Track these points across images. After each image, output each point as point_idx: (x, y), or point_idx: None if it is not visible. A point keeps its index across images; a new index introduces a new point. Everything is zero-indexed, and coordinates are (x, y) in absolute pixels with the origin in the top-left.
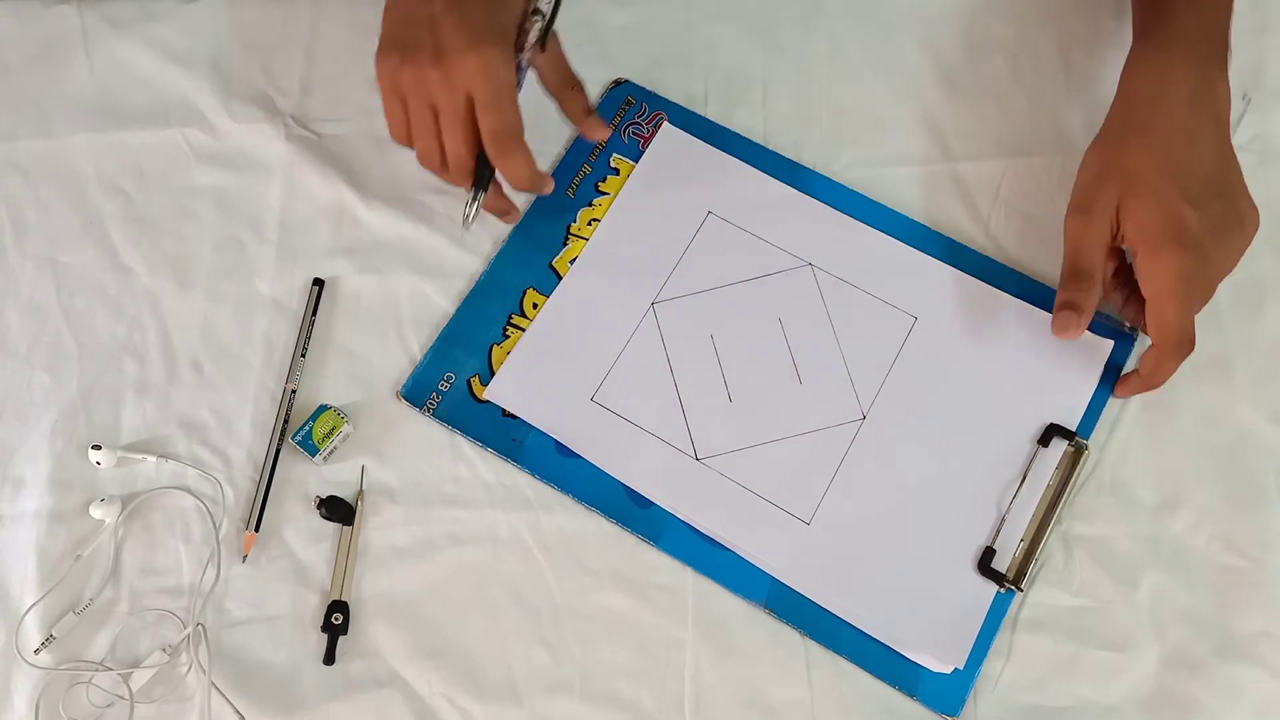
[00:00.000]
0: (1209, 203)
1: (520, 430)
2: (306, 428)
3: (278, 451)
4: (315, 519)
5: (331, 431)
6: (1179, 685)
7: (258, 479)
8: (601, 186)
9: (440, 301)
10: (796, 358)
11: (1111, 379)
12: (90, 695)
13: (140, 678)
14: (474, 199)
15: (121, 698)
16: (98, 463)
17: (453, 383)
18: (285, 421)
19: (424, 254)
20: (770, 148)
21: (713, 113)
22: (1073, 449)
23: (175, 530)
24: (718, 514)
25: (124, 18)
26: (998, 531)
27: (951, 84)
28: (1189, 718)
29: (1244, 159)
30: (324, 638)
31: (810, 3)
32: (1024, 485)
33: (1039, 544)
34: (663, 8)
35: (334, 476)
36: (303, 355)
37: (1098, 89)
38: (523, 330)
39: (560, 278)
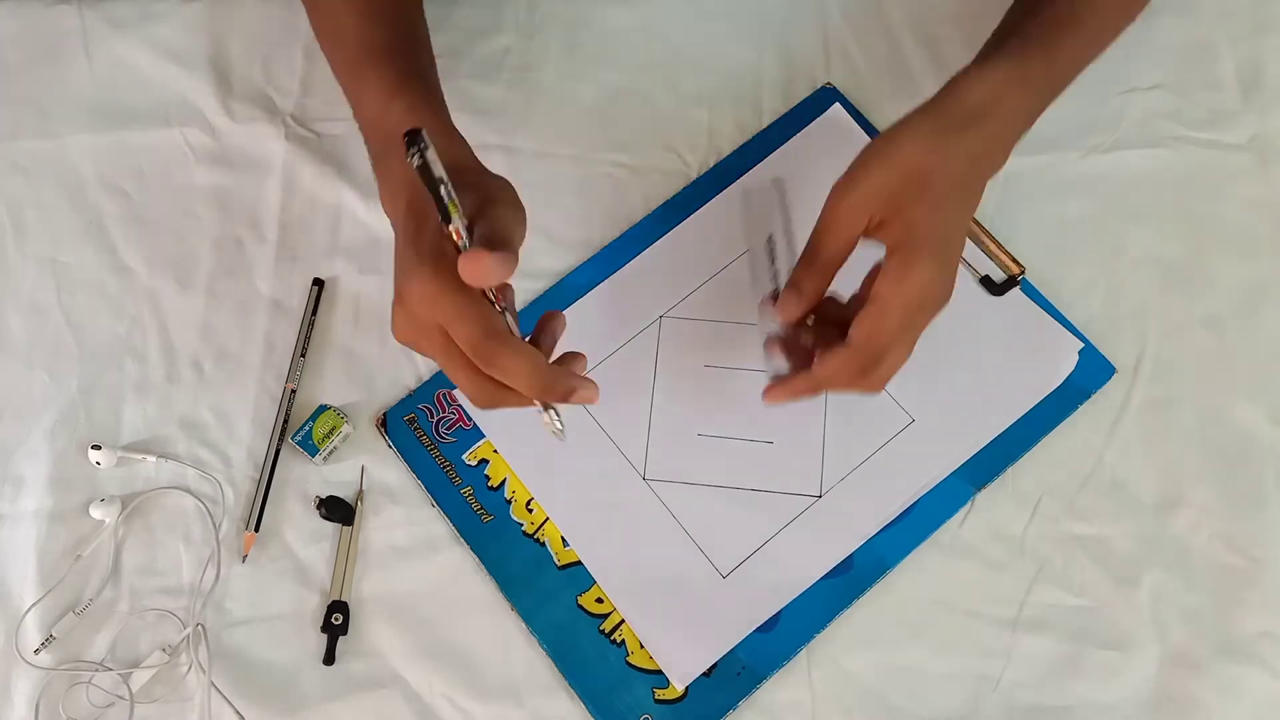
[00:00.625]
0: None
1: (732, 663)
2: (306, 428)
3: (278, 451)
4: (315, 519)
5: (331, 431)
6: (1179, 685)
7: (258, 479)
8: (493, 484)
9: None
10: (750, 365)
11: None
12: (90, 695)
13: (140, 678)
14: (544, 409)
15: (121, 698)
16: (98, 463)
17: (655, 717)
18: (285, 421)
19: None
20: None
21: (713, 111)
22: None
23: (175, 530)
24: (881, 500)
25: (124, 18)
26: (970, 266)
27: None
28: (1189, 717)
29: (1244, 159)
30: (324, 638)
31: (810, 2)
32: None
33: (993, 238)
34: (663, 8)
35: (334, 476)
36: (303, 355)
37: (1097, 89)
38: (620, 624)
39: (579, 563)
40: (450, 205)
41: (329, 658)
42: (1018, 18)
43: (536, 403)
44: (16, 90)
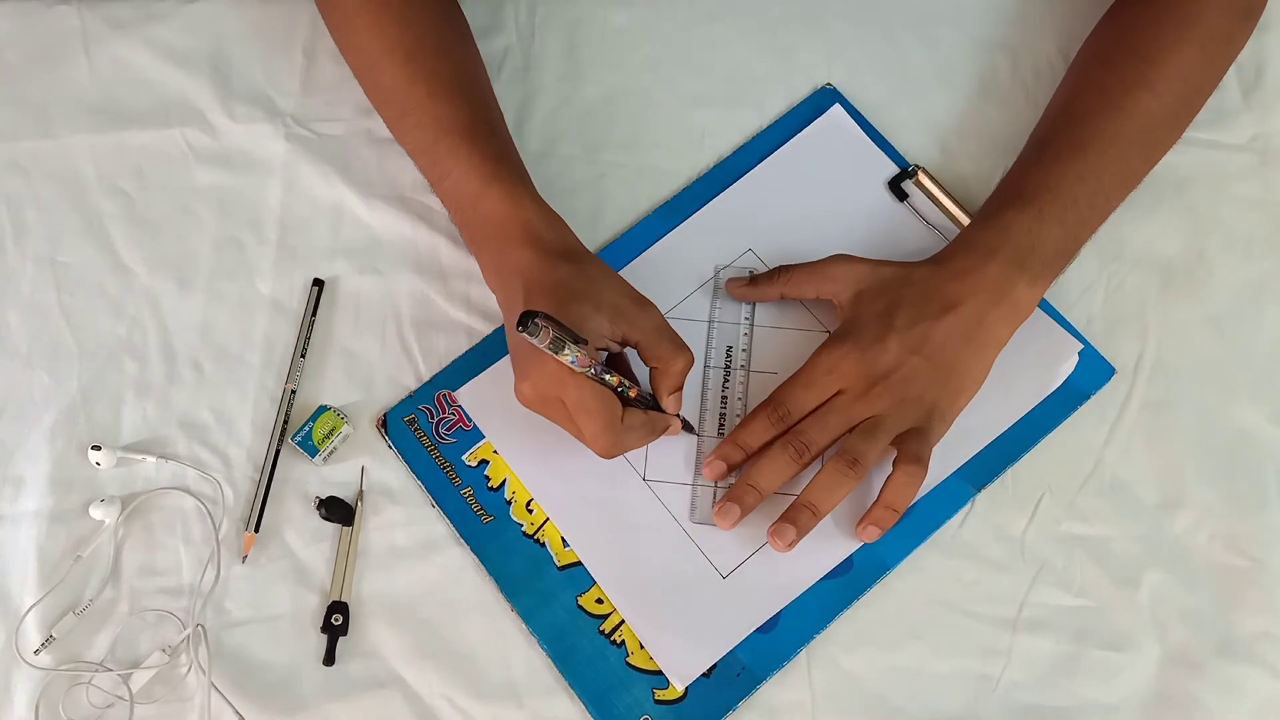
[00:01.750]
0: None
1: (731, 664)
2: (306, 428)
3: (277, 452)
4: (315, 519)
5: (331, 432)
6: (1179, 685)
7: (257, 479)
8: (493, 485)
9: (440, 302)
10: (752, 366)
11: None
12: (90, 696)
13: (140, 678)
14: (689, 430)
15: (121, 698)
16: (98, 463)
17: (654, 717)
18: (285, 421)
19: (424, 254)
20: None
21: (713, 111)
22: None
23: (175, 531)
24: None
25: (124, 18)
26: None
27: (951, 84)
28: (1189, 717)
29: (1244, 159)
30: (324, 638)
31: (810, 2)
32: (929, 221)
33: None
34: (663, 8)
35: (334, 477)
36: (303, 355)
37: None
38: (620, 624)
39: (579, 564)
40: (581, 352)
41: (329, 658)
42: (1018, 171)
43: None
44: (16, 90)
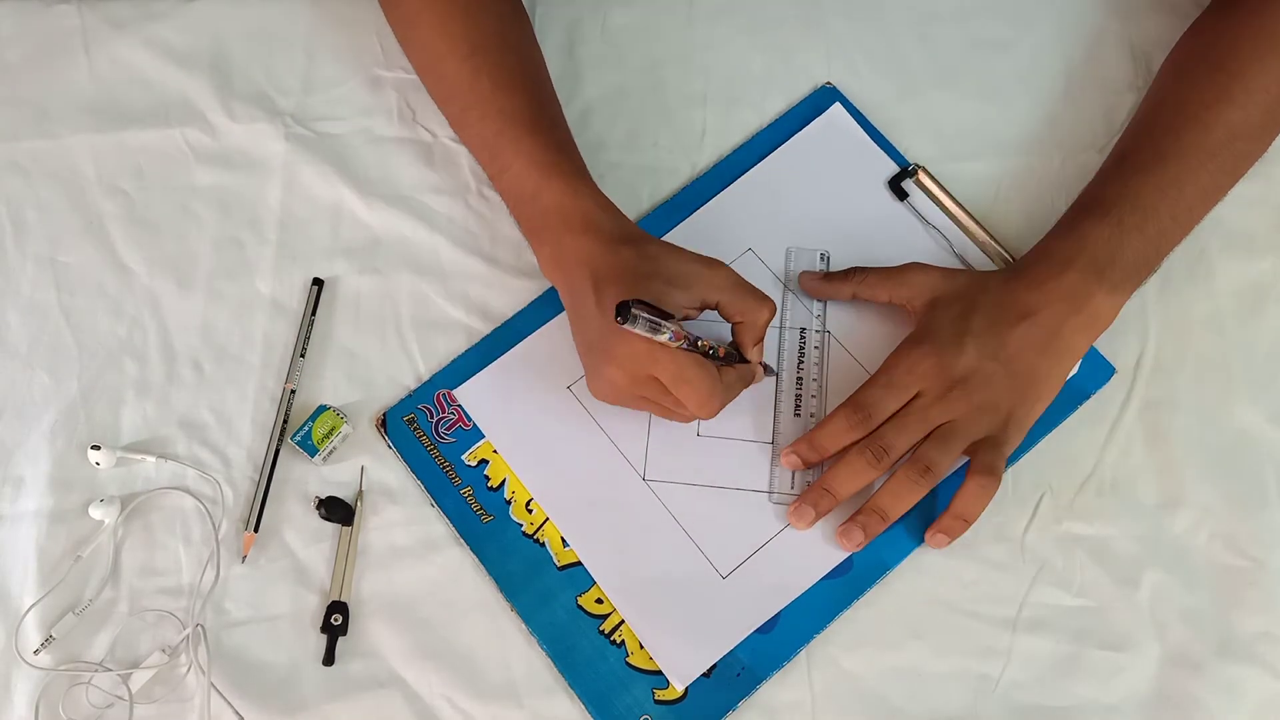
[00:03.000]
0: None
1: (731, 664)
2: (306, 428)
3: (277, 451)
4: (315, 519)
5: (331, 432)
6: (1179, 685)
7: (257, 479)
8: (493, 484)
9: (440, 302)
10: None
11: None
12: (90, 696)
13: (140, 678)
14: (769, 373)
15: (121, 698)
16: (97, 463)
17: (654, 718)
18: (285, 421)
19: (424, 254)
20: None
21: (713, 111)
22: None
23: (175, 530)
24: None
25: (124, 18)
26: (960, 258)
27: (951, 84)
28: (1189, 717)
29: None
30: (324, 638)
31: (810, 2)
32: (928, 221)
33: (982, 227)
34: (663, 7)
35: (334, 476)
36: (302, 355)
37: (1097, 89)
38: (620, 624)
39: (579, 564)
40: (675, 326)
41: (329, 658)
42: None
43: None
44: (16, 90)
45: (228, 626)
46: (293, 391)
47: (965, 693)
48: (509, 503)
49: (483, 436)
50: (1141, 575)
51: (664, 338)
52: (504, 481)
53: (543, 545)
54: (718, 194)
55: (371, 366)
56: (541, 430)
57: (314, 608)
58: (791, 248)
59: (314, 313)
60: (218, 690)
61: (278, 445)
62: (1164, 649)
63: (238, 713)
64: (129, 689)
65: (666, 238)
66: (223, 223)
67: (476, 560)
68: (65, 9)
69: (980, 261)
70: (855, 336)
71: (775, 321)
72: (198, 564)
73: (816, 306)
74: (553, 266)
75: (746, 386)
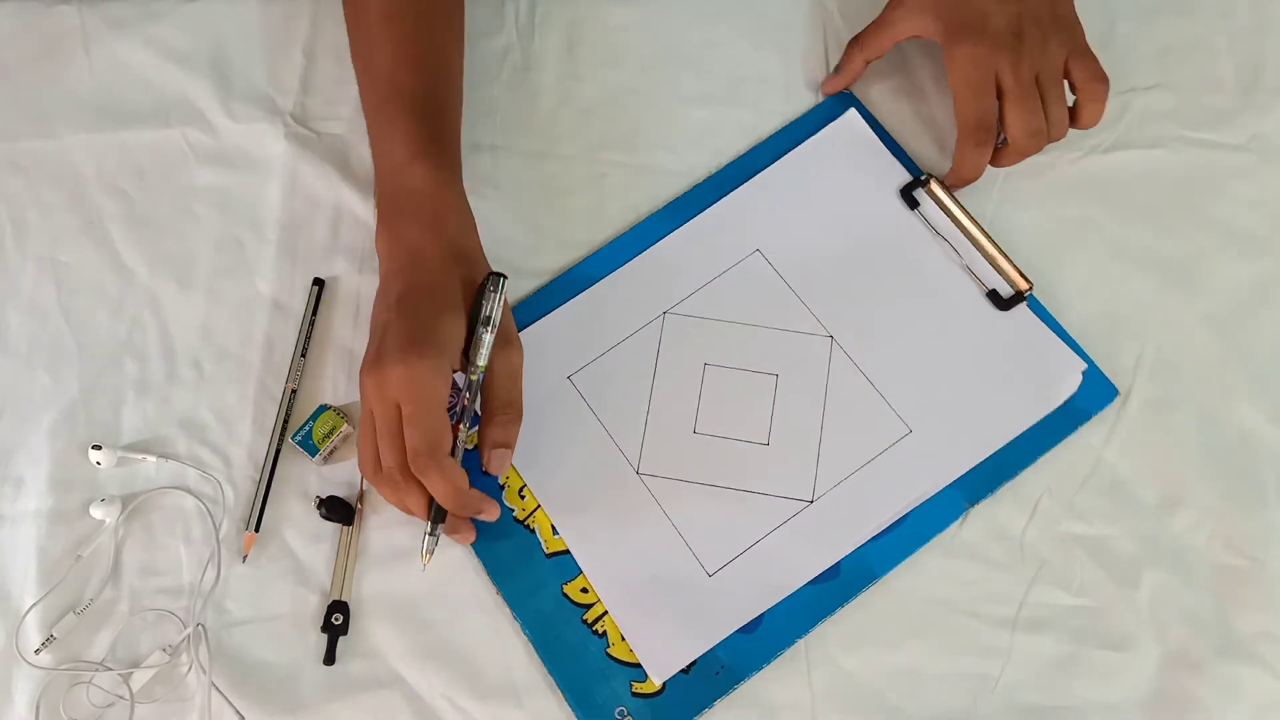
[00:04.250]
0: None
1: (711, 662)
2: (306, 428)
3: (278, 451)
4: (315, 519)
5: (331, 431)
6: (1179, 685)
7: (258, 479)
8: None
9: None
10: (749, 366)
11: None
12: (90, 695)
13: (140, 678)
14: (430, 530)
15: (122, 698)
16: (98, 463)
17: (629, 710)
18: (285, 421)
19: None
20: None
21: (713, 111)
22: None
23: (175, 530)
24: (873, 509)
25: (124, 18)
26: (978, 280)
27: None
28: (1189, 717)
29: (1242, 159)
30: (324, 638)
31: (811, 2)
32: (948, 240)
33: (1001, 251)
34: (663, 8)
35: (334, 476)
36: (303, 355)
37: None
38: (604, 615)
39: (566, 552)
40: (482, 363)
41: (329, 658)
42: None
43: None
44: (16, 90)
45: (228, 626)
46: (293, 391)
47: (965, 692)
48: (502, 488)
49: (478, 422)
50: (1141, 575)
51: (482, 340)
52: None
53: (533, 531)
54: (729, 193)
55: None
56: (538, 418)
57: (314, 607)
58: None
59: (314, 312)
60: (218, 690)
61: (278, 445)
62: (1163, 649)
63: (238, 712)
64: (130, 688)
65: (672, 236)
66: (223, 223)
67: (478, 561)
68: (65, 9)
69: (988, 275)
70: (860, 344)
71: (778, 324)
72: (198, 563)
73: (822, 314)
74: (386, 242)
75: (460, 507)
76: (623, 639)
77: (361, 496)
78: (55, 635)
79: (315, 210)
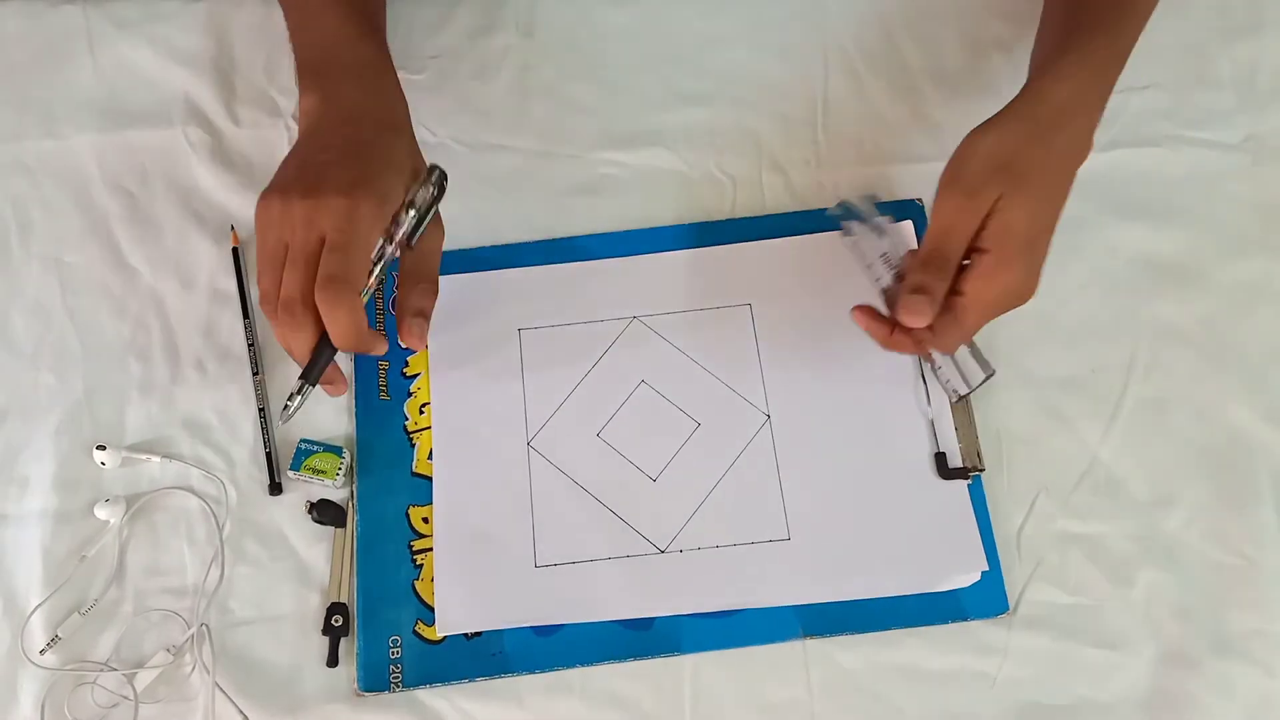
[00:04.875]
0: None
1: (494, 641)
2: (300, 461)
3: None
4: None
5: (329, 467)
6: (1174, 683)
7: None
8: (408, 371)
9: None
10: (680, 404)
11: None
12: (95, 696)
13: (145, 678)
14: (299, 390)
15: (126, 698)
16: (102, 463)
17: (401, 643)
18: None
19: None
20: (769, 145)
21: (713, 111)
22: None
23: (179, 530)
24: (713, 589)
25: (128, 18)
26: (934, 437)
27: (950, 82)
28: (1184, 715)
29: (1237, 159)
30: (326, 638)
31: (811, 2)
32: (928, 386)
33: (971, 423)
34: (663, 7)
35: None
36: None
37: None
38: (429, 550)
39: (429, 479)
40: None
41: (333, 659)
42: (1071, 8)
43: (295, 382)
44: (21, 90)
45: (232, 626)
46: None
47: (962, 691)
48: (410, 395)
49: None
50: (1136, 573)
51: (404, 223)
52: (418, 375)
53: (413, 446)
54: (757, 240)
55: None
56: (474, 352)
57: (317, 607)
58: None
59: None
60: (222, 690)
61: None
62: (1158, 647)
63: (242, 712)
64: (134, 689)
65: (679, 254)
66: (226, 223)
67: None
68: (70, 9)
69: (948, 437)
70: (791, 438)
71: (729, 380)
72: (202, 564)
73: (774, 392)
74: (318, 101)
75: (366, 349)
76: (432, 580)
77: (353, 497)
78: (60, 635)
79: None
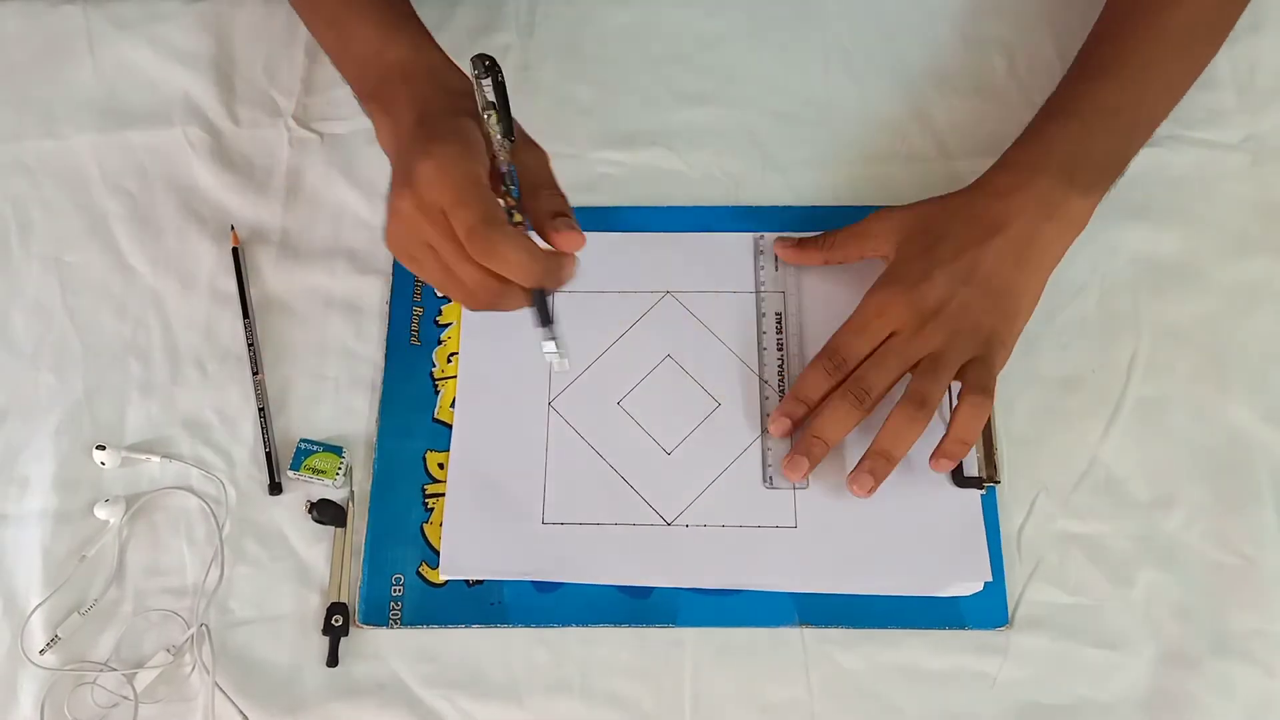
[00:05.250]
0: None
1: (493, 591)
2: (299, 461)
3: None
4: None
5: (329, 467)
6: (1174, 683)
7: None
8: (440, 320)
9: None
10: (702, 381)
11: None
12: (95, 696)
13: (144, 678)
14: (549, 336)
15: (126, 698)
16: (102, 463)
17: (404, 582)
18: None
19: None
20: (769, 145)
21: (713, 111)
22: None
23: (179, 530)
24: (715, 567)
25: (128, 18)
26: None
27: (950, 82)
28: (1184, 715)
29: (1236, 159)
30: (326, 638)
31: (811, 2)
32: (951, 391)
33: (991, 435)
34: (663, 7)
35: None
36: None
37: None
38: (442, 495)
39: (449, 426)
40: (507, 123)
41: (332, 659)
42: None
43: (540, 332)
44: (21, 90)
45: (232, 626)
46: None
47: (962, 691)
48: (440, 343)
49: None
50: (1136, 573)
51: (492, 128)
52: (450, 325)
53: (437, 393)
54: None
55: (373, 366)
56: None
57: (317, 607)
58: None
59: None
60: (222, 690)
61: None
62: (1158, 647)
63: (242, 712)
64: (134, 689)
65: (720, 236)
66: (226, 223)
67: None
68: (70, 9)
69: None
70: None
71: (753, 363)
72: (202, 564)
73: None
74: (389, 124)
75: (553, 283)
76: (440, 525)
77: (352, 497)
78: (60, 635)
79: (317, 211)
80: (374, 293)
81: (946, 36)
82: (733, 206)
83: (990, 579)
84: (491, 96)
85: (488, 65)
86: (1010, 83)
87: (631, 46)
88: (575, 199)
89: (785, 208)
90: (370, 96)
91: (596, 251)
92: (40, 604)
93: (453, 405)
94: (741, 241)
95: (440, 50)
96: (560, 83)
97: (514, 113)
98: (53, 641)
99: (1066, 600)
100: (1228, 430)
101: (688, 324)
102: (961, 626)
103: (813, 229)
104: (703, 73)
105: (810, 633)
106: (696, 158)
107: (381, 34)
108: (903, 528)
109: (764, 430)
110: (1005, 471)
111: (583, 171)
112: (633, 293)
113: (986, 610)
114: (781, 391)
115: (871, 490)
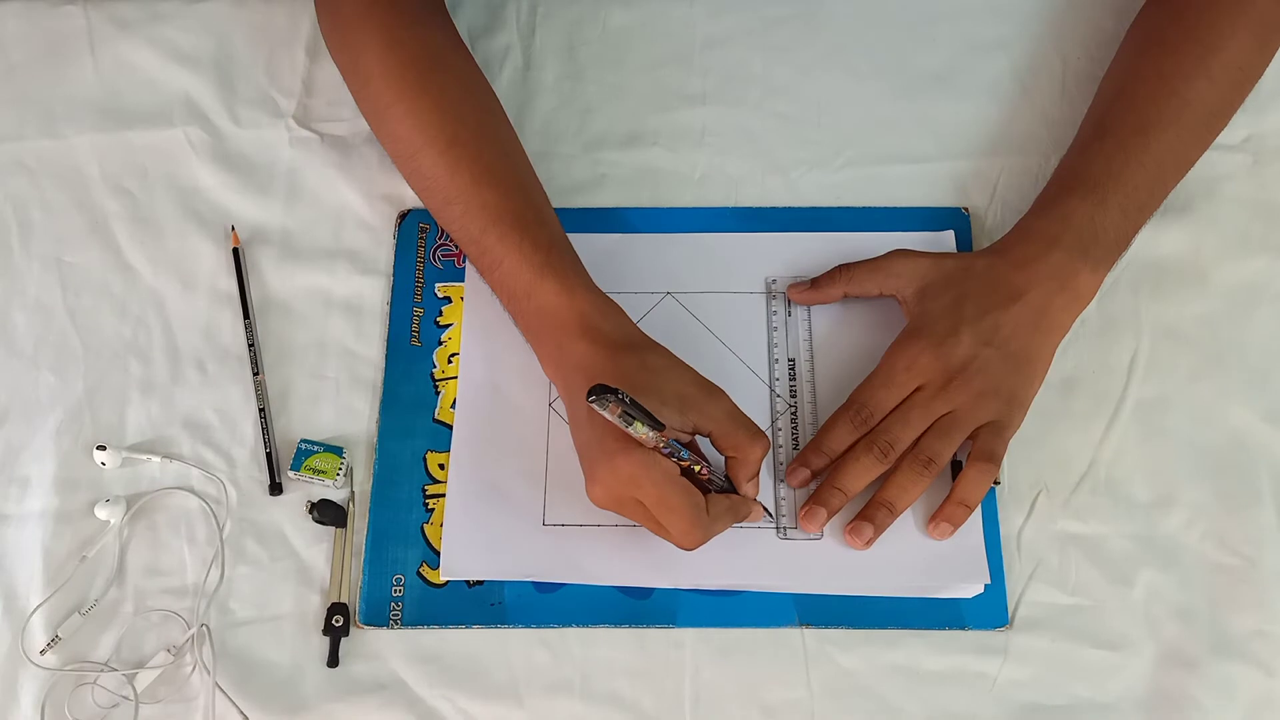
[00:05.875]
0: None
1: (494, 591)
2: (300, 462)
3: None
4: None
5: (329, 468)
6: (1174, 683)
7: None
8: (441, 321)
9: None
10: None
11: None
12: (95, 696)
13: (145, 678)
14: (769, 513)
15: (126, 698)
16: (103, 463)
17: (405, 582)
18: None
19: None
20: (769, 145)
21: (713, 111)
22: None
23: (179, 530)
24: (714, 569)
25: (129, 18)
26: None
27: (950, 83)
28: (1184, 715)
29: (1237, 160)
30: (327, 638)
31: (811, 2)
32: None
33: None
34: (663, 7)
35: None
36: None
37: (1095, 88)
38: (442, 496)
39: (450, 427)
40: (653, 430)
41: (333, 659)
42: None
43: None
44: (22, 90)
45: (232, 626)
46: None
47: (962, 691)
48: (441, 344)
49: (462, 280)
50: (1135, 574)
51: (642, 434)
52: (450, 326)
53: (437, 394)
54: (802, 231)
55: (373, 367)
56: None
57: (317, 608)
58: (769, 277)
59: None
60: (222, 690)
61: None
62: (1158, 648)
63: (242, 712)
64: (134, 689)
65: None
66: (226, 223)
67: None
68: (71, 9)
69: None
70: (812, 419)
71: (754, 365)
72: (202, 564)
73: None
74: (552, 367)
75: (738, 521)
76: (441, 525)
77: (353, 498)
78: (60, 636)
79: (317, 211)
80: (374, 293)
81: (947, 37)
82: (733, 207)
83: (989, 581)
84: (623, 412)
85: (605, 396)
86: (1011, 83)
87: (632, 46)
88: (575, 199)
89: (785, 208)
90: (526, 331)
91: (596, 252)
92: (41, 604)
93: (453, 406)
94: (753, 287)
95: (589, 287)
96: (560, 83)
97: (514, 113)
98: (53, 642)
99: (1066, 601)
100: (1228, 431)
101: (688, 325)
102: (962, 627)
103: (813, 229)
104: (703, 73)
105: (810, 633)
106: (697, 158)
107: (530, 272)
108: (903, 530)
109: (780, 479)
110: (1005, 472)
111: (583, 171)
112: (633, 293)
113: (986, 611)
114: (795, 410)
115: (869, 542)
